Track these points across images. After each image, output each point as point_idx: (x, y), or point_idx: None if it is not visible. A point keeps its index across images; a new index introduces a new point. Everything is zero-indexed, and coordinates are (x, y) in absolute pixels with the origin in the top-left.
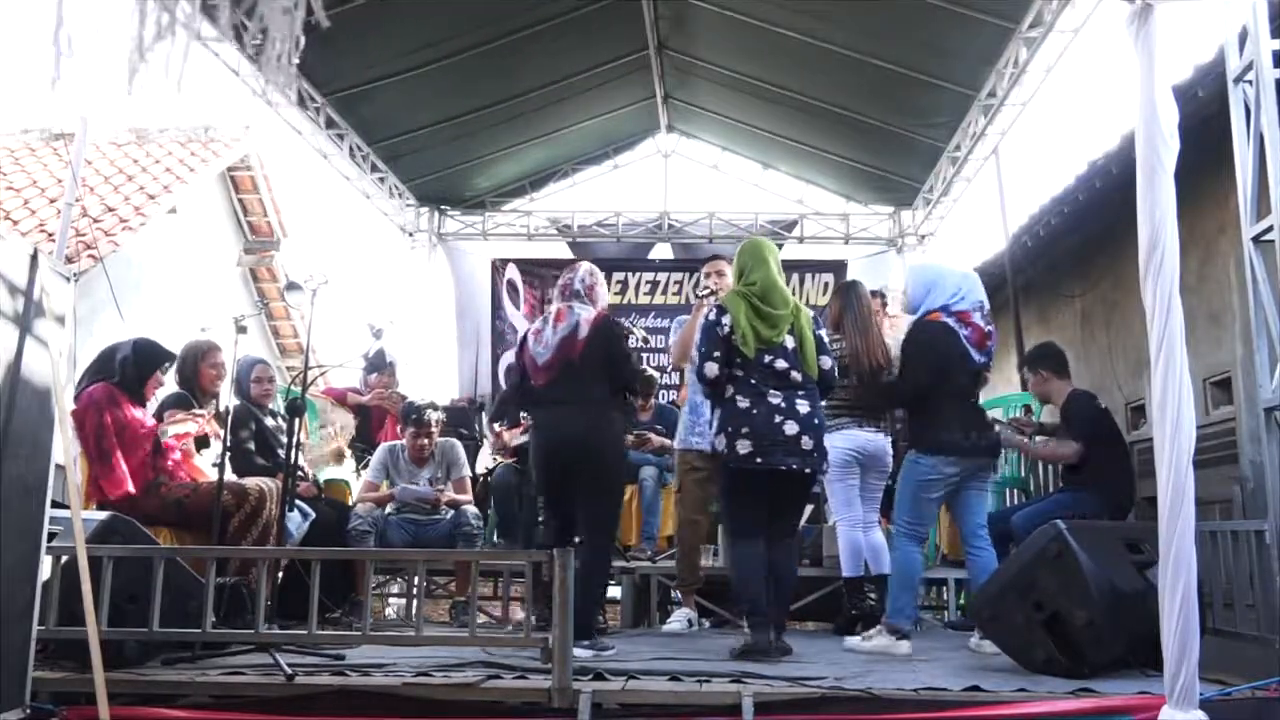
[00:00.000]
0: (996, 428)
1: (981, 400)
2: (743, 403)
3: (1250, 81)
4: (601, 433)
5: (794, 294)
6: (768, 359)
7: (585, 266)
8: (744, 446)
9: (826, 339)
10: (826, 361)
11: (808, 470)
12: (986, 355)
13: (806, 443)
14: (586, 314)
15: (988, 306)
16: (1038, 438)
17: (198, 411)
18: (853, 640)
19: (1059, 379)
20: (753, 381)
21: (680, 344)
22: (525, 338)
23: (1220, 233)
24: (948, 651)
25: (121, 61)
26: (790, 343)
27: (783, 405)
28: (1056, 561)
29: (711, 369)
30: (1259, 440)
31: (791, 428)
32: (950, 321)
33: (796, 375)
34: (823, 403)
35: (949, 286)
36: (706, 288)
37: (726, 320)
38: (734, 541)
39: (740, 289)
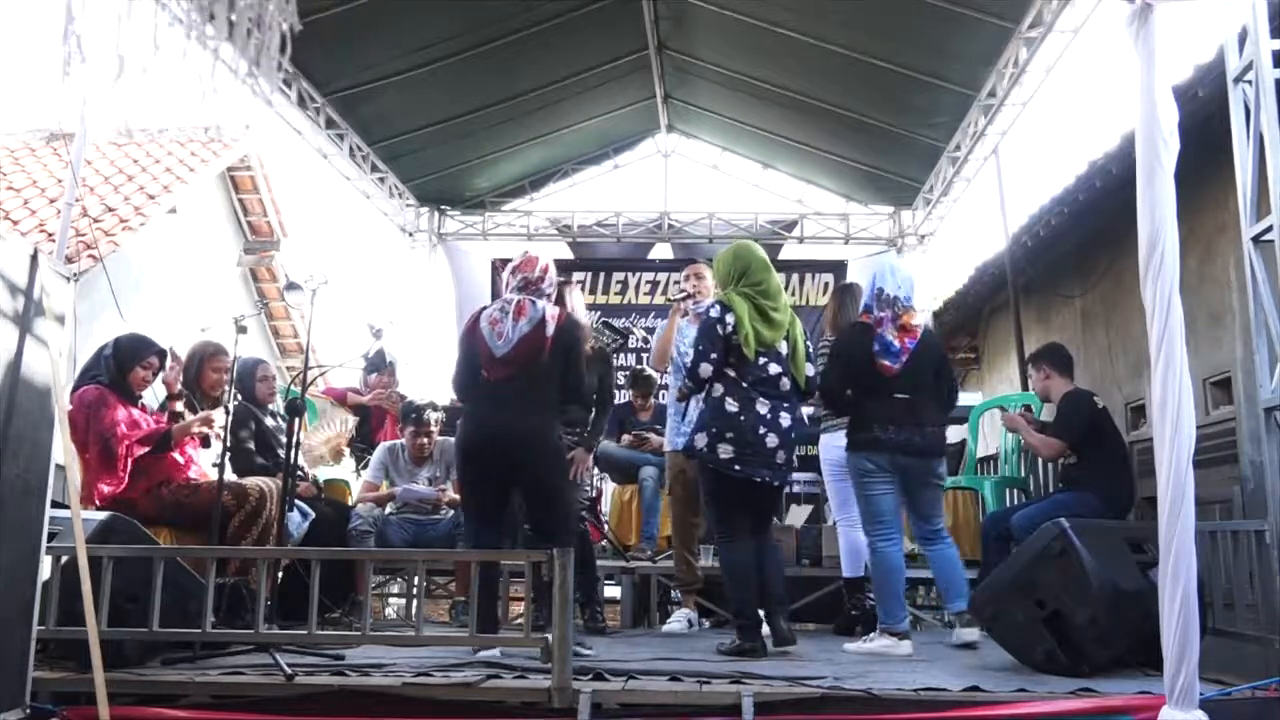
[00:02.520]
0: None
1: (983, 400)
2: (731, 406)
3: (1250, 81)
4: (545, 434)
5: (793, 294)
6: (762, 361)
7: (540, 261)
8: (725, 451)
9: (813, 348)
10: (810, 369)
11: (776, 484)
12: (884, 350)
13: (781, 457)
14: (551, 310)
15: (890, 294)
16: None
17: (202, 418)
18: (853, 645)
19: (1060, 377)
20: (744, 385)
21: (658, 349)
22: (477, 322)
23: (1220, 233)
24: (948, 651)
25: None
26: (784, 348)
27: (768, 416)
28: (1059, 559)
29: (706, 369)
30: (1259, 440)
31: (772, 440)
32: (877, 318)
33: (786, 382)
34: (805, 409)
35: (875, 283)
36: (684, 290)
37: (730, 319)
38: (721, 544)
39: (744, 289)
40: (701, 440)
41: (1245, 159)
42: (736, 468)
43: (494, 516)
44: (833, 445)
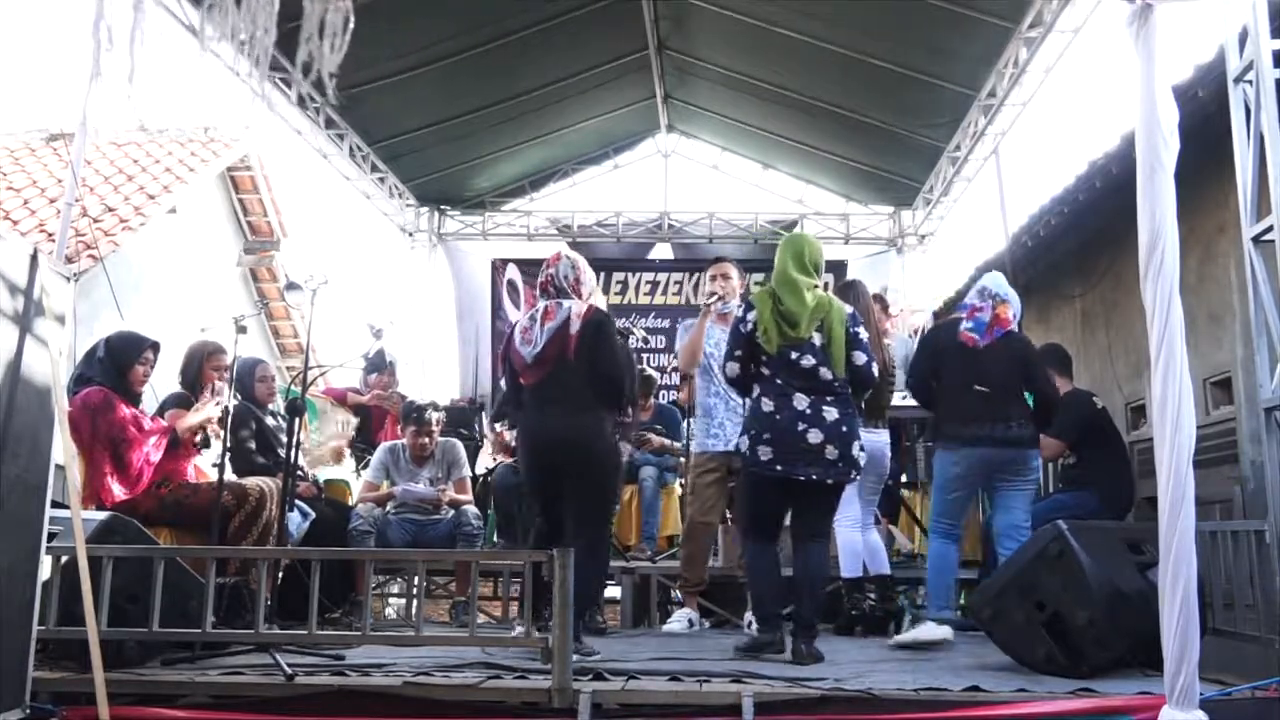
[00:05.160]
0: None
1: None
2: (766, 405)
3: (1250, 81)
4: (591, 432)
5: None
6: (794, 355)
7: (566, 259)
8: (765, 453)
9: (863, 335)
10: (860, 357)
11: (830, 481)
12: (974, 322)
13: (831, 452)
14: (577, 308)
15: (990, 289)
16: None
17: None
18: (900, 636)
19: (1060, 377)
20: (778, 381)
21: (687, 350)
22: (511, 335)
23: (1220, 233)
24: (948, 651)
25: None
26: (819, 339)
27: (808, 411)
28: (1058, 561)
29: (732, 368)
30: (1259, 440)
31: (815, 436)
32: (961, 316)
33: (826, 373)
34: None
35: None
36: (712, 292)
37: (751, 317)
38: (745, 541)
39: (770, 285)
40: (744, 444)
41: (1245, 159)
42: (778, 468)
43: (559, 520)
44: None
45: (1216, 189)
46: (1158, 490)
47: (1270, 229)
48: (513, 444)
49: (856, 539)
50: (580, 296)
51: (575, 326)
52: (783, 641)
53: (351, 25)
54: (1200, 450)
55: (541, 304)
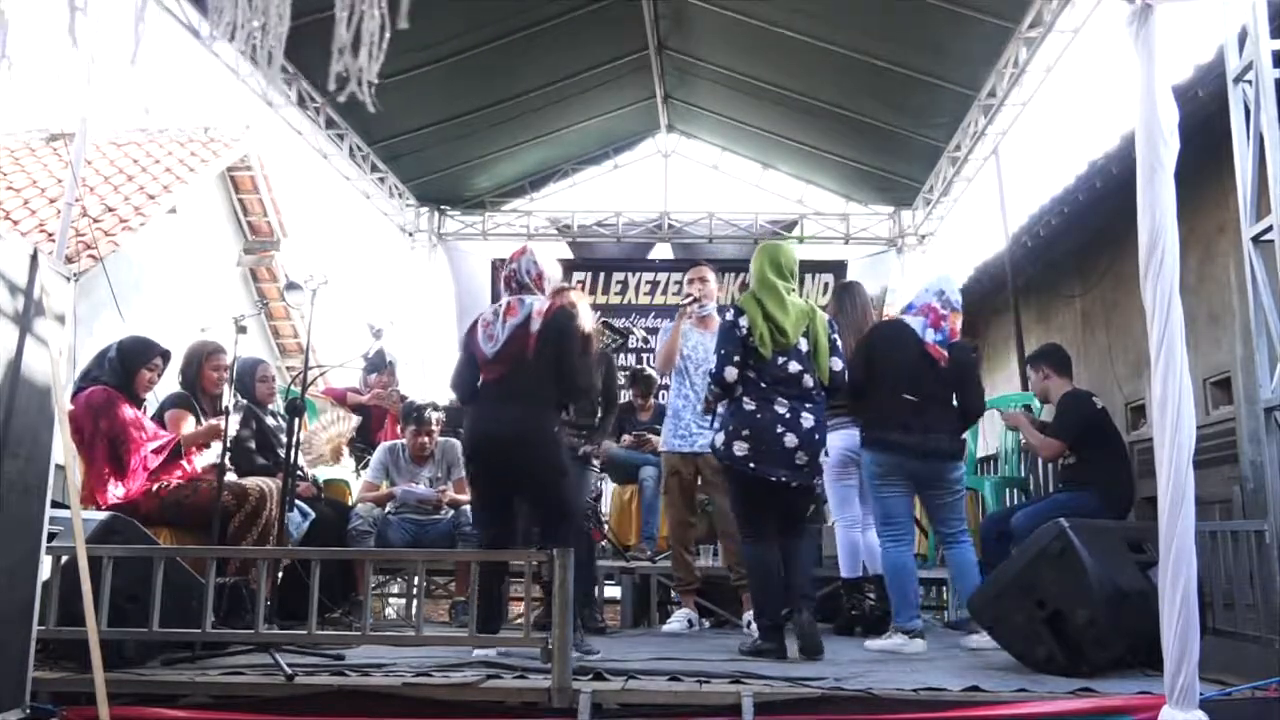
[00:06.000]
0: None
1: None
2: (748, 405)
3: (1250, 81)
4: (539, 433)
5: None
6: (781, 360)
7: (529, 254)
8: (740, 449)
9: (839, 342)
10: (837, 364)
11: (795, 484)
12: (941, 334)
13: (801, 457)
14: (538, 305)
15: (949, 296)
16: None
17: (210, 426)
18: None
19: (1059, 377)
20: (763, 385)
21: (664, 352)
22: (475, 326)
23: (1220, 233)
24: (947, 651)
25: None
26: (804, 346)
27: (787, 416)
28: (1059, 560)
29: (731, 373)
30: (1259, 440)
31: (791, 440)
32: (907, 318)
33: (808, 379)
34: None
35: (918, 290)
36: (689, 294)
37: (744, 322)
38: (745, 543)
39: (754, 292)
40: (720, 439)
41: (1245, 159)
42: (751, 465)
43: (499, 515)
44: (831, 445)
45: (1216, 189)
46: (1158, 490)
47: (1270, 229)
48: None
49: (856, 539)
50: (542, 291)
51: (535, 325)
52: (785, 649)
53: (389, 33)
54: (1200, 450)
55: (505, 299)
